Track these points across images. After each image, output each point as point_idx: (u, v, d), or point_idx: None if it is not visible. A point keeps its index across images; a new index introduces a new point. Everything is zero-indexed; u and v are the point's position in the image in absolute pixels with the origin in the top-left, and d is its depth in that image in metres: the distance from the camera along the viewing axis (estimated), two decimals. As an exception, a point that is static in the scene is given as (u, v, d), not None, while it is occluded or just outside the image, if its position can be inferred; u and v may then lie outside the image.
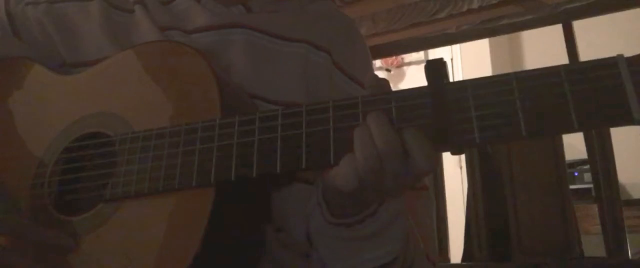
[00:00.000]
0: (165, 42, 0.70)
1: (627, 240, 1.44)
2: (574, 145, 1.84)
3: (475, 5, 1.89)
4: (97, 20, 0.75)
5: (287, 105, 0.68)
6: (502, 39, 3.64)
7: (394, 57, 4.00)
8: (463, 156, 2.23)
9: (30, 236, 0.59)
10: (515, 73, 0.48)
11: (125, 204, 0.59)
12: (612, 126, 0.46)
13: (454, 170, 3.29)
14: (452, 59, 3.93)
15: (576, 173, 2.90)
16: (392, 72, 4.12)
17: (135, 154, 0.59)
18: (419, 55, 4.01)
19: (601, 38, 2.87)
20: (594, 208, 1.62)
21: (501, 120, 0.47)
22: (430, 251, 0.70)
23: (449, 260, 1.79)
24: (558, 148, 1.62)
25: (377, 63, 3.89)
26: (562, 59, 1.86)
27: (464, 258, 1.71)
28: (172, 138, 0.58)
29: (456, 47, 3.86)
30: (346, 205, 0.57)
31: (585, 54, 1.93)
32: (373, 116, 0.50)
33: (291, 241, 0.66)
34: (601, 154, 1.51)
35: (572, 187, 1.76)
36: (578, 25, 1.70)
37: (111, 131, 0.63)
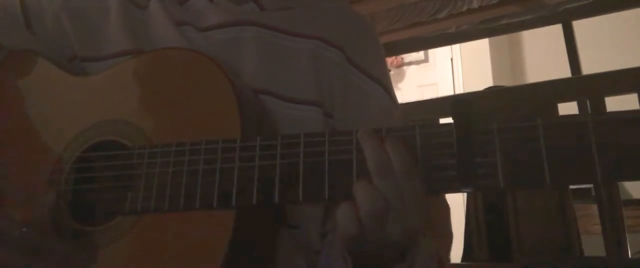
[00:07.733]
0: (185, 50, 0.69)
1: (627, 240, 1.44)
2: (574, 145, 1.83)
3: (475, 5, 1.89)
4: (115, 15, 0.75)
5: (300, 102, 0.69)
6: (502, 38, 3.64)
7: (394, 57, 4.00)
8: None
9: (50, 254, 0.57)
10: (541, 120, 0.48)
11: (144, 219, 0.58)
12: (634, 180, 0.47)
13: (454, 170, 3.28)
14: (452, 59, 3.93)
15: (576, 173, 2.88)
16: (392, 72, 4.12)
17: (154, 169, 0.59)
18: (419, 55, 4.01)
19: (601, 38, 2.87)
20: (594, 208, 1.62)
21: (526, 168, 0.48)
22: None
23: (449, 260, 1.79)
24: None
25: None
26: (562, 58, 1.87)
27: (464, 258, 1.71)
28: (191, 156, 0.58)
29: (456, 47, 3.86)
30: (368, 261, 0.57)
31: (585, 54, 1.94)
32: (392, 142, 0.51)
33: (303, 239, 0.68)
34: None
35: (572, 186, 1.75)
36: (578, 25, 1.70)
37: (128, 141, 0.62)
